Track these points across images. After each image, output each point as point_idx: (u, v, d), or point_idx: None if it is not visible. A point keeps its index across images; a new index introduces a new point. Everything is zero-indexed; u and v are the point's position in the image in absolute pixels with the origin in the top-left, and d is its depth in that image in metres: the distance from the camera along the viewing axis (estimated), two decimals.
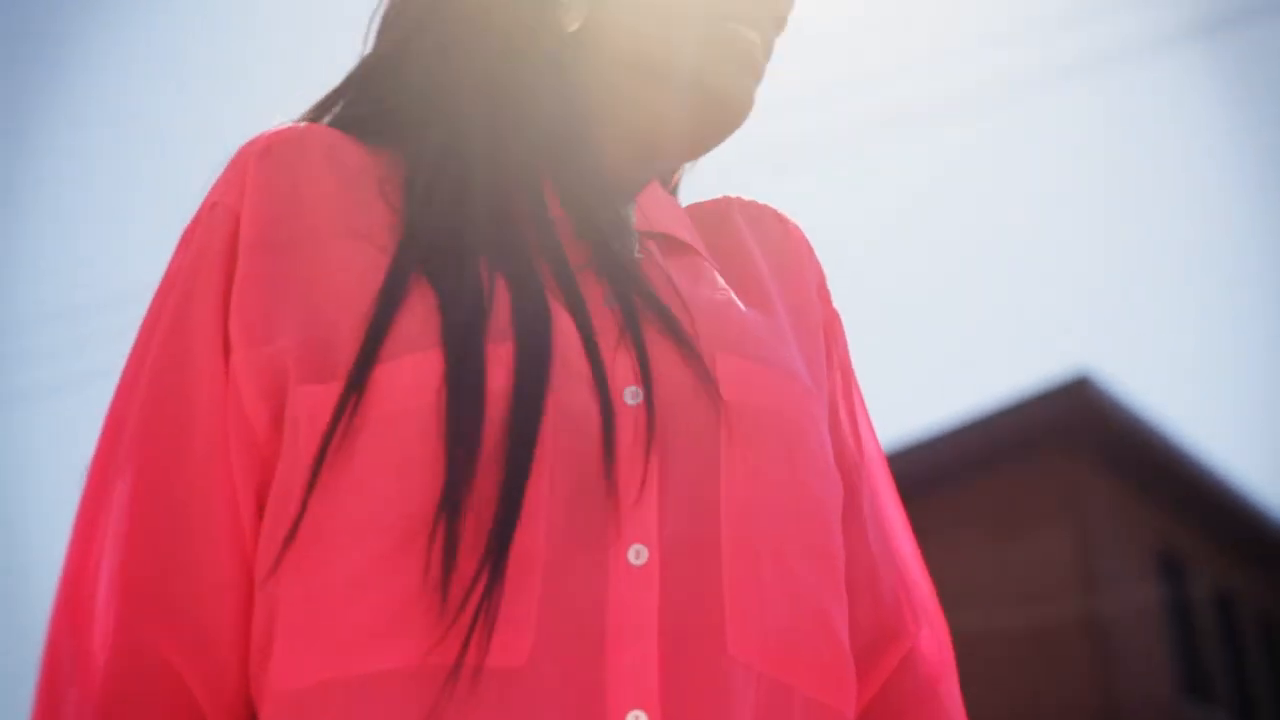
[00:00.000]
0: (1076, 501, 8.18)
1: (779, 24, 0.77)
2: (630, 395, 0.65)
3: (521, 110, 0.72)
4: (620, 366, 0.66)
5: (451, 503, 0.60)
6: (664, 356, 0.67)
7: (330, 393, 0.63)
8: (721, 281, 0.74)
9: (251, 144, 0.71)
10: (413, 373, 0.63)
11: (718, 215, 0.80)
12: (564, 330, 0.66)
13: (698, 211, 0.80)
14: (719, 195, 0.82)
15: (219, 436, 0.66)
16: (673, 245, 0.74)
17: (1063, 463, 8.23)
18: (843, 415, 0.77)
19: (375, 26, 0.77)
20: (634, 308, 0.68)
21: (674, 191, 0.83)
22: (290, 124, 0.72)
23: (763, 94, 0.76)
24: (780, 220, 0.82)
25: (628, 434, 0.64)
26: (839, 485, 0.71)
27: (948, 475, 8.46)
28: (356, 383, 0.63)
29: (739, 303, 0.73)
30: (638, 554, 0.63)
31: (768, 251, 0.79)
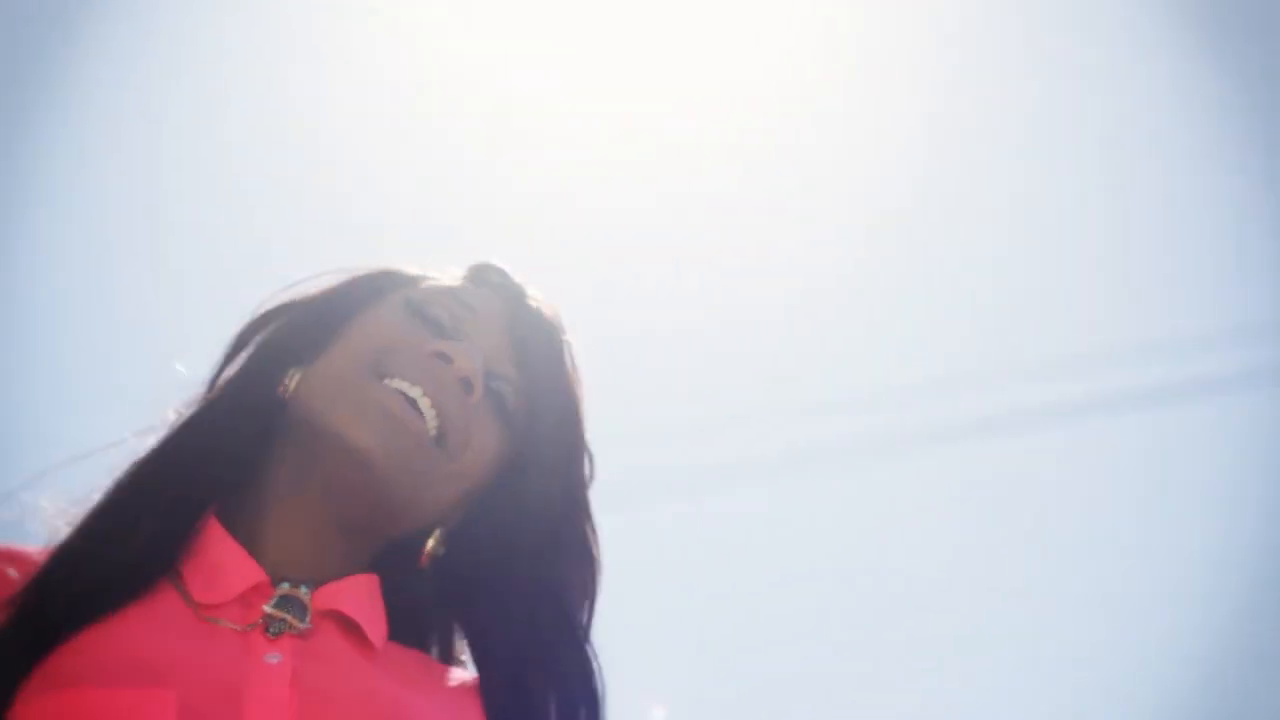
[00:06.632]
0: None
1: (464, 383, 0.90)
2: None
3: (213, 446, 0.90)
4: (263, 713, 0.80)
5: None
6: (308, 715, 0.81)
7: None
8: (380, 669, 0.87)
9: None
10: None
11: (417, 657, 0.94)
12: (198, 678, 0.80)
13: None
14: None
15: None
16: (345, 624, 0.88)
17: None
18: None
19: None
20: (287, 665, 0.83)
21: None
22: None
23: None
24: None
25: None
26: None
27: None
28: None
29: (396, 686, 0.86)
30: None
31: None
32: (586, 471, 0.97)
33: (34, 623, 0.82)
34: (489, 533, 0.93)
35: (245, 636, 0.85)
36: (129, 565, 0.86)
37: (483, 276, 0.98)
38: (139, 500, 0.88)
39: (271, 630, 0.85)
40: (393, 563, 0.94)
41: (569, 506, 0.95)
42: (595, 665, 0.92)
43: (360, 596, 0.90)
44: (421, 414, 0.88)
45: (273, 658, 0.83)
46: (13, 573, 0.86)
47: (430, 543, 0.93)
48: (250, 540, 0.89)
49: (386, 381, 0.89)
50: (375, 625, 0.90)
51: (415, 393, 0.88)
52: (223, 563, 0.88)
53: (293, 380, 0.90)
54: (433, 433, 0.89)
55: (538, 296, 0.98)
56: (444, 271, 1.00)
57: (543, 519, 0.93)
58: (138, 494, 0.88)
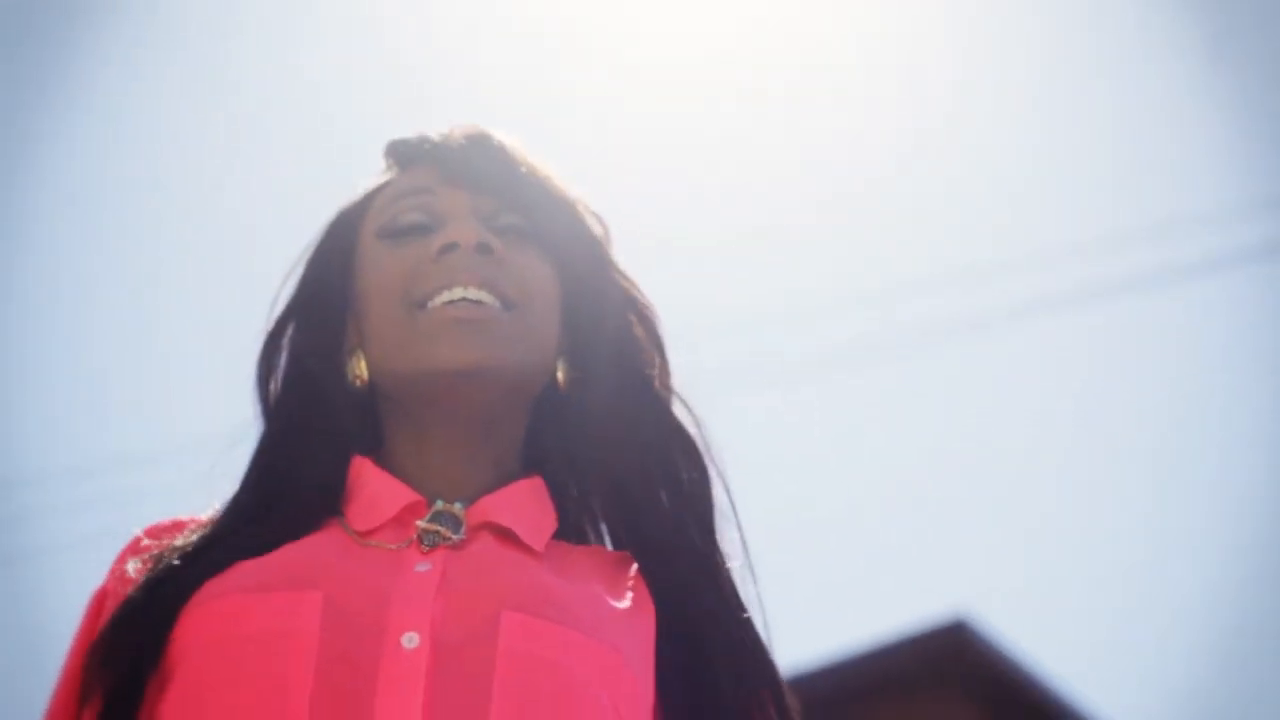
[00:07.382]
0: None
1: (481, 248, 0.91)
2: (407, 640, 0.81)
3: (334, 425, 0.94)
4: (408, 617, 0.82)
5: None
6: (453, 609, 0.83)
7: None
8: (534, 563, 0.88)
9: (132, 540, 0.91)
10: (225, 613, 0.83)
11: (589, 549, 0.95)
12: (347, 583, 0.83)
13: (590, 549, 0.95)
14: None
15: None
16: (502, 532, 0.90)
17: (939, 708, 7.81)
18: None
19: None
20: (436, 571, 0.85)
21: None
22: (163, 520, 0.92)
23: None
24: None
25: (399, 672, 0.80)
26: None
27: (816, 714, 8.00)
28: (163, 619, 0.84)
29: (549, 576, 0.87)
30: None
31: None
32: (599, 229, 0.97)
33: (197, 559, 0.86)
34: (587, 332, 0.95)
35: (399, 553, 0.87)
36: (293, 505, 0.90)
37: (404, 156, 0.98)
38: (282, 475, 0.92)
39: (425, 543, 0.87)
40: (545, 446, 0.96)
41: (603, 267, 0.97)
42: (673, 415, 0.94)
43: (519, 502, 0.92)
44: (480, 301, 0.90)
45: (423, 566, 0.86)
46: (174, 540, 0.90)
47: (560, 374, 0.94)
48: (399, 474, 0.92)
49: (430, 304, 0.91)
50: (534, 528, 0.91)
51: (458, 293, 0.90)
52: (378, 492, 0.90)
53: (360, 367, 0.93)
54: (498, 306, 0.91)
55: (452, 131, 0.97)
56: (370, 180, 0.99)
57: (602, 290, 0.95)
58: (276, 473, 0.92)
